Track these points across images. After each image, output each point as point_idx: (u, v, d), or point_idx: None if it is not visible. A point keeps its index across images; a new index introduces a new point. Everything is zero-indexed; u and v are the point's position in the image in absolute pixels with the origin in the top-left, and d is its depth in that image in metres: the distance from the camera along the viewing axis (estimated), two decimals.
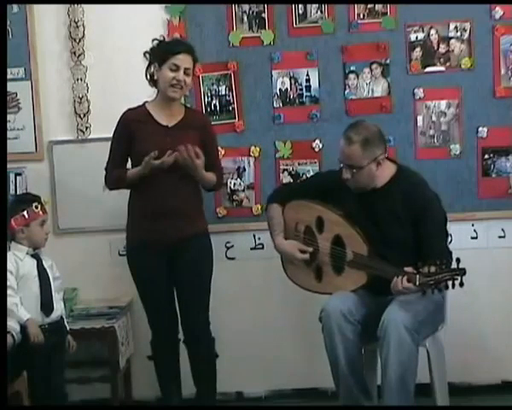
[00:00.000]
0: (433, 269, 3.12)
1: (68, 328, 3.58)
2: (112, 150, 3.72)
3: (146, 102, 3.72)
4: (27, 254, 3.46)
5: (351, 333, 3.32)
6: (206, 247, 3.73)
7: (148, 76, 3.68)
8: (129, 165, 3.74)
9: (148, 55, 3.67)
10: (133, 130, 3.64)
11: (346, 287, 3.45)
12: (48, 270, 3.50)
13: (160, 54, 3.61)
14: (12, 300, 3.31)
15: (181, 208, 3.58)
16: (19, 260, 3.42)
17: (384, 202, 3.44)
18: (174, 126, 3.64)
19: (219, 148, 4.00)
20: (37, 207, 3.47)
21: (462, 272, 3.12)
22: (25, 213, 3.44)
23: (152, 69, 3.65)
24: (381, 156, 3.43)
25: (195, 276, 3.66)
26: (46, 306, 3.43)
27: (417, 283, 3.15)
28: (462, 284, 3.11)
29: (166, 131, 3.62)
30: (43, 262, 3.50)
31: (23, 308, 3.35)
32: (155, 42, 3.66)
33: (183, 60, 3.57)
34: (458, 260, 3.14)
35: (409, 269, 3.21)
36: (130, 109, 3.71)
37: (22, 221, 3.43)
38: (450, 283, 3.13)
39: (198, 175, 3.60)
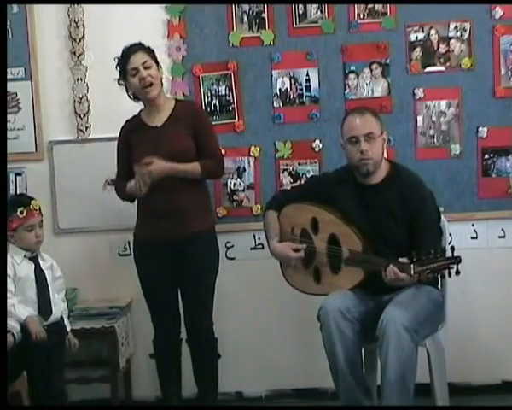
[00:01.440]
0: (428, 258, 3.13)
1: (70, 327, 3.58)
2: (117, 165, 3.75)
3: (141, 110, 3.73)
4: (25, 257, 3.45)
5: (349, 331, 3.31)
6: (211, 246, 3.72)
7: (130, 95, 3.71)
8: None
9: (120, 81, 3.70)
10: (130, 140, 3.68)
11: (343, 285, 3.45)
12: (46, 272, 3.48)
13: (120, 71, 3.65)
14: (9, 301, 3.31)
15: (184, 206, 3.59)
16: (16, 263, 3.41)
17: (380, 198, 3.45)
18: (163, 125, 3.64)
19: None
20: (22, 213, 3.42)
21: (458, 259, 3.12)
22: (12, 217, 3.41)
23: (128, 89, 3.69)
24: (385, 133, 3.50)
25: (199, 275, 3.65)
26: (44, 310, 3.41)
27: (412, 272, 3.15)
28: (458, 273, 3.12)
29: (156, 131, 3.63)
30: (42, 265, 3.48)
31: (21, 307, 3.35)
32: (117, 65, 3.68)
33: (136, 59, 3.58)
34: (453, 249, 3.14)
35: (404, 259, 3.22)
36: (127, 121, 3.74)
37: (10, 226, 3.40)
38: (446, 272, 3.14)
39: (172, 172, 3.56)
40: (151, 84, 3.58)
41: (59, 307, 3.51)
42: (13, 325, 3.31)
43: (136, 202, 3.72)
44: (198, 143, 3.66)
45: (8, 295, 3.32)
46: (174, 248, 3.62)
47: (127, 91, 3.70)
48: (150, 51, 3.64)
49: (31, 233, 3.44)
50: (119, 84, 3.70)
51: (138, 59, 3.58)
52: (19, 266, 3.42)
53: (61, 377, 3.48)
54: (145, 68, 3.57)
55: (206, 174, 3.67)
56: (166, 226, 3.59)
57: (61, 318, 3.52)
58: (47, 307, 3.43)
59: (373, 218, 3.44)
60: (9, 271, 3.37)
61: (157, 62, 3.65)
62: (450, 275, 3.14)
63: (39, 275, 3.45)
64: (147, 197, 3.62)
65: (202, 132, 3.67)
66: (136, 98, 3.70)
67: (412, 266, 3.15)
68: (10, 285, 3.35)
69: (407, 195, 3.43)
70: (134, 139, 3.66)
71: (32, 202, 3.47)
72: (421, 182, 3.52)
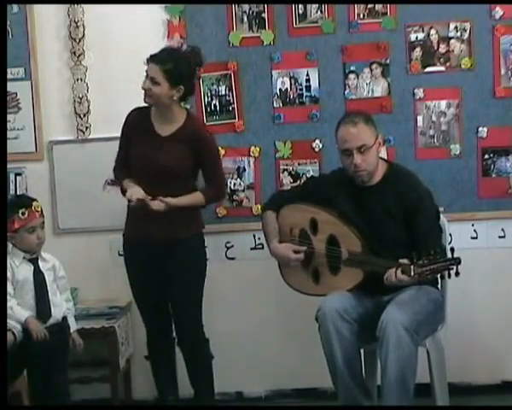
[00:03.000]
0: (427, 260, 3.13)
1: (76, 327, 3.57)
2: (119, 147, 3.75)
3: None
4: (24, 258, 3.43)
5: (347, 332, 3.32)
6: (196, 251, 3.68)
7: None
8: None
9: None
10: (133, 134, 3.67)
11: (342, 286, 3.45)
12: (46, 273, 3.46)
13: None
14: (7, 304, 3.30)
15: (169, 211, 3.54)
16: (14, 265, 3.40)
17: (378, 199, 3.45)
18: (168, 137, 3.61)
19: (219, 148, 4.00)
20: (23, 214, 3.40)
21: (458, 261, 3.12)
22: (13, 218, 3.40)
23: None
24: (380, 136, 3.49)
25: (183, 280, 3.63)
26: (42, 313, 3.40)
27: (412, 274, 3.15)
28: (457, 274, 3.12)
29: (160, 141, 3.60)
30: (42, 266, 3.46)
31: (20, 308, 3.34)
32: None
33: (150, 69, 3.55)
34: (453, 250, 3.14)
35: (403, 261, 3.21)
36: (136, 109, 3.70)
37: (11, 227, 3.38)
38: (445, 273, 3.14)
39: (174, 206, 3.54)
40: (149, 96, 3.56)
41: (59, 309, 3.49)
42: (14, 324, 3.32)
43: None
44: (201, 167, 3.65)
45: (8, 297, 3.32)
46: (159, 251, 3.61)
47: None
48: (169, 71, 3.51)
49: (32, 235, 3.42)
50: None
51: (151, 69, 3.54)
52: (17, 268, 3.40)
53: (63, 377, 3.48)
54: (152, 82, 3.53)
55: (209, 203, 3.71)
56: (152, 229, 3.57)
57: (64, 318, 3.51)
58: (45, 310, 3.41)
59: (371, 218, 3.44)
60: (8, 273, 3.36)
61: (174, 82, 3.53)
62: (449, 276, 3.14)
63: (38, 277, 3.43)
64: None
65: (206, 159, 3.63)
66: None
67: (412, 267, 3.15)
68: (9, 288, 3.34)
69: (405, 194, 3.43)
70: (137, 137, 3.65)
71: (34, 203, 3.45)
72: (419, 181, 3.52)
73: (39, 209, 3.46)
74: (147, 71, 3.56)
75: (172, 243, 3.58)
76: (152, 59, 3.55)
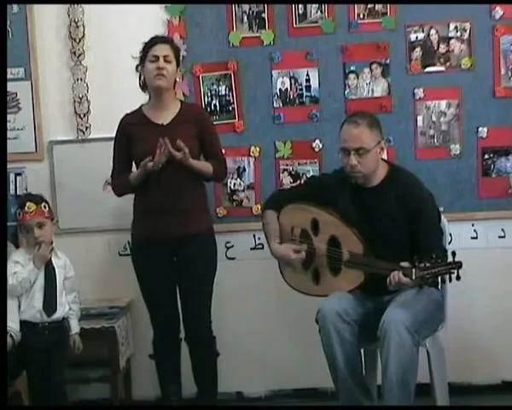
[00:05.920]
0: (429, 263, 3.13)
1: (78, 330, 3.59)
2: (114, 157, 3.75)
3: (142, 105, 3.74)
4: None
5: (347, 333, 3.32)
6: (209, 246, 3.72)
7: (141, 83, 3.73)
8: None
9: (138, 67, 3.72)
10: (131, 133, 3.68)
11: (343, 287, 3.45)
12: (58, 270, 3.52)
13: (141, 55, 3.67)
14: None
15: (181, 205, 3.58)
16: (27, 259, 3.45)
17: (379, 200, 3.45)
18: (169, 123, 3.64)
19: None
20: (19, 215, 3.46)
21: (459, 265, 3.12)
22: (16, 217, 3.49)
23: (142, 75, 3.70)
24: (383, 141, 3.48)
25: (197, 275, 3.66)
26: (48, 306, 3.43)
27: (414, 277, 3.15)
28: (458, 278, 3.12)
29: (162, 129, 3.62)
30: (54, 262, 3.51)
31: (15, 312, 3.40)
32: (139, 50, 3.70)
33: (161, 49, 3.62)
34: (454, 254, 3.14)
35: (405, 264, 3.21)
36: (127, 114, 3.74)
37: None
38: (446, 276, 3.14)
39: (188, 165, 3.56)
40: (164, 76, 3.59)
41: (63, 308, 3.51)
42: (11, 326, 3.34)
43: (128, 202, 3.72)
44: (203, 146, 3.69)
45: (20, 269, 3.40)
46: (173, 246, 3.63)
47: (140, 80, 3.72)
48: (176, 50, 3.67)
49: (29, 234, 3.47)
50: (136, 70, 3.72)
51: (162, 49, 3.61)
52: (30, 260, 3.45)
53: (60, 377, 3.49)
54: (165, 61, 3.60)
55: (215, 175, 3.71)
56: (166, 225, 3.59)
57: (64, 318, 3.53)
58: (52, 303, 3.45)
59: (372, 220, 3.43)
60: (22, 260, 3.43)
61: (178, 63, 3.69)
62: (450, 280, 3.14)
63: (49, 271, 3.48)
64: (144, 196, 3.64)
65: (208, 135, 3.70)
66: (144, 88, 3.72)
67: (414, 270, 3.15)
68: (20, 269, 3.40)
69: (406, 196, 3.42)
70: (136, 134, 3.66)
71: (28, 203, 3.47)
72: (420, 183, 3.52)
73: (32, 210, 3.46)
74: (156, 55, 3.59)
75: (185, 237, 3.59)
76: (160, 40, 3.65)
